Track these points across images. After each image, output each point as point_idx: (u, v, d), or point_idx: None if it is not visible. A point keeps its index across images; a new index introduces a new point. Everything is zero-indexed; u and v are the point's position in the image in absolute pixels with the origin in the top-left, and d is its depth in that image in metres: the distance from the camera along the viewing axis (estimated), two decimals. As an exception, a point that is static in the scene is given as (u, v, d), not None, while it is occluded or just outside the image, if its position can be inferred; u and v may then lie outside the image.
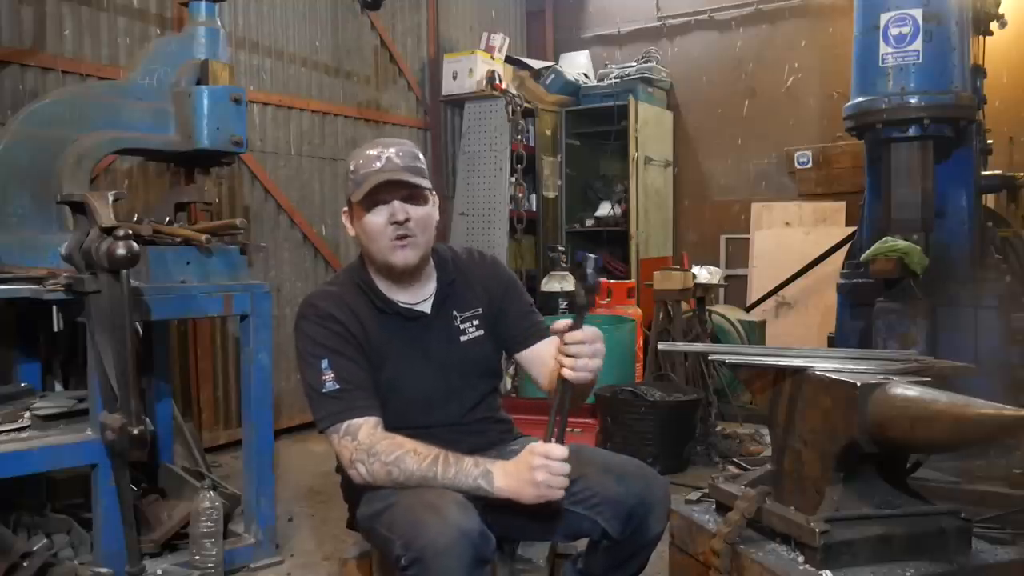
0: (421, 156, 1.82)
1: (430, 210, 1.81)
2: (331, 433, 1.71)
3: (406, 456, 1.64)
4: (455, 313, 1.89)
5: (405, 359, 1.82)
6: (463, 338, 1.89)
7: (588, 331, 1.57)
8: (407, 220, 1.75)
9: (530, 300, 2.02)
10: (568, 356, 1.56)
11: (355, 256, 1.90)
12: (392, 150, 1.76)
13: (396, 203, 1.75)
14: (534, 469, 1.56)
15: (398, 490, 1.67)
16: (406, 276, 1.83)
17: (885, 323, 2.91)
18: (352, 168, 1.78)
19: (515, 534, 1.88)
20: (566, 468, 1.57)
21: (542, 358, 1.89)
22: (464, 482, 1.61)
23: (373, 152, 1.77)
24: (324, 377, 1.71)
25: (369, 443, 1.66)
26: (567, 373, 1.56)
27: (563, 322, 1.58)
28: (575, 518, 1.73)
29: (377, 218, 1.75)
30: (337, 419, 1.70)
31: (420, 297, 1.87)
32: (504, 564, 2.00)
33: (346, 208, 1.85)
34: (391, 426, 1.75)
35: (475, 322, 1.91)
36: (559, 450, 1.57)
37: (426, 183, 1.78)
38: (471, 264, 1.97)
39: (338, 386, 1.71)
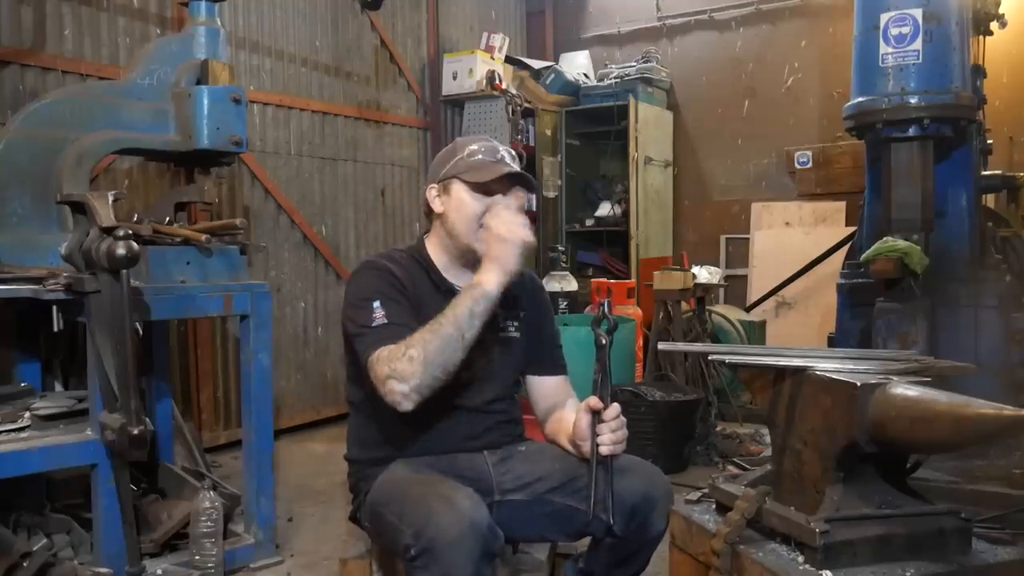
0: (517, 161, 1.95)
1: None
2: (370, 363, 1.70)
3: (412, 337, 1.66)
4: (499, 310, 1.93)
5: None
6: (502, 334, 1.95)
7: (615, 409, 1.70)
8: None
9: (559, 332, 2.10)
10: (603, 434, 1.68)
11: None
12: (505, 151, 1.88)
13: (500, 197, 1.84)
14: (497, 230, 1.69)
15: (410, 479, 1.70)
16: (477, 264, 1.88)
17: (885, 323, 2.91)
18: (467, 152, 1.87)
19: (517, 534, 1.88)
20: (521, 219, 1.73)
21: (550, 393, 2.00)
22: (462, 305, 1.66)
23: (488, 145, 1.88)
24: (375, 315, 1.75)
25: (387, 355, 1.67)
26: (605, 450, 1.68)
27: (595, 400, 1.70)
28: (578, 515, 1.74)
29: (479, 204, 1.83)
30: (376, 346, 1.70)
31: None
32: (504, 564, 2.00)
33: (436, 184, 1.91)
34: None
35: (515, 324, 1.97)
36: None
37: (534, 190, 1.92)
38: (523, 276, 2.03)
39: (386, 321, 1.74)
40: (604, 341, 1.69)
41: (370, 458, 1.87)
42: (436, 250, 1.93)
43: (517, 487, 1.82)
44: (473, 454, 1.87)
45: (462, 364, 1.82)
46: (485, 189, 1.83)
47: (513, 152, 1.93)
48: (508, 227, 1.69)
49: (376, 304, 1.76)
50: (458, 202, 1.86)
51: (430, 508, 1.54)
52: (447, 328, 1.64)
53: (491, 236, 1.71)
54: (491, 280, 1.67)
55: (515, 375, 2.00)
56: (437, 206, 1.90)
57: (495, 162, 1.84)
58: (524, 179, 1.86)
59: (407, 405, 1.65)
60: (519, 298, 1.99)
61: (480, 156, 1.85)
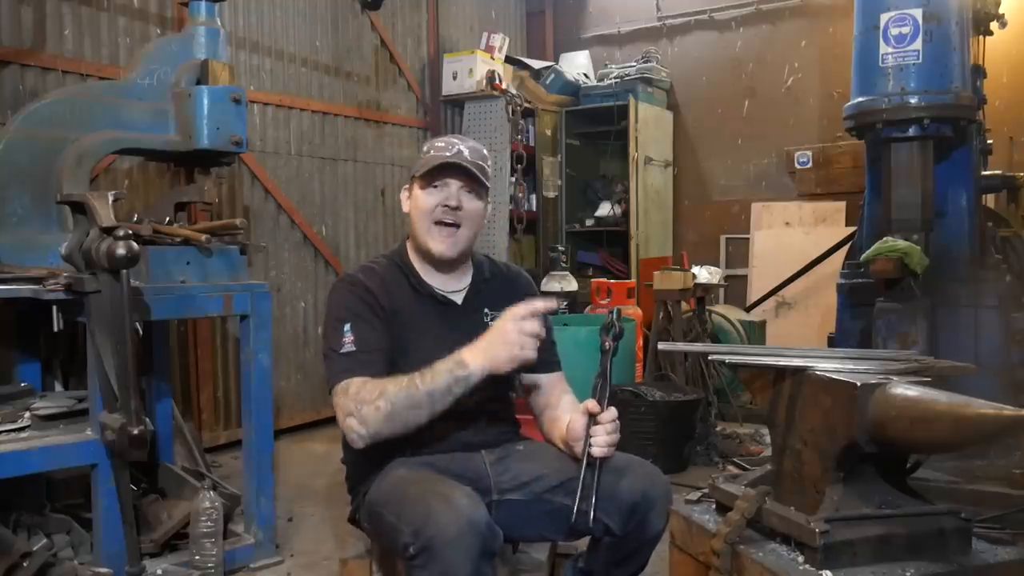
0: (488, 159, 1.92)
1: (482, 208, 1.90)
2: (334, 393, 1.75)
3: (387, 386, 1.67)
4: (486, 310, 1.96)
5: (430, 339, 1.86)
6: None
7: (611, 413, 1.70)
8: (458, 207, 1.83)
9: (552, 329, 2.08)
10: (597, 436, 1.69)
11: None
12: (465, 145, 1.87)
13: (454, 187, 1.83)
14: (506, 330, 1.62)
15: (408, 478, 1.70)
16: (442, 265, 1.91)
17: (885, 323, 2.91)
18: (424, 150, 1.89)
19: (516, 534, 1.88)
20: (537, 328, 1.63)
21: (545, 389, 1.99)
22: (441, 379, 1.64)
23: (446, 142, 1.87)
24: (344, 340, 1.77)
25: (356, 391, 1.70)
26: (596, 452, 1.68)
27: (592, 404, 1.70)
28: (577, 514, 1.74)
29: (431, 197, 1.84)
30: (341, 377, 1.74)
31: (453, 288, 1.94)
32: (504, 564, 2.00)
33: (407, 185, 1.93)
34: None
35: None
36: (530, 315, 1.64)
37: (486, 181, 1.87)
38: (509, 274, 2.06)
39: (354, 348, 1.76)
40: (608, 346, 1.70)
41: (367, 460, 1.87)
42: (414, 252, 1.94)
43: (515, 487, 1.82)
44: (470, 454, 1.87)
45: None
46: (431, 181, 1.83)
47: (483, 150, 1.90)
48: (519, 337, 1.62)
49: (347, 327, 1.78)
50: (415, 199, 1.88)
51: (429, 507, 1.54)
52: (421, 395, 1.65)
53: (501, 329, 1.64)
54: (477, 366, 1.64)
55: (507, 374, 1.99)
56: (406, 207, 1.92)
57: (447, 155, 1.83)
58: (461, 168, 1.83)
59: (360, 444, 1.70)
60: (506, 299, 1.97)
61: (435, 152, 1.85)
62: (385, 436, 1.69)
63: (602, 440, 1.68)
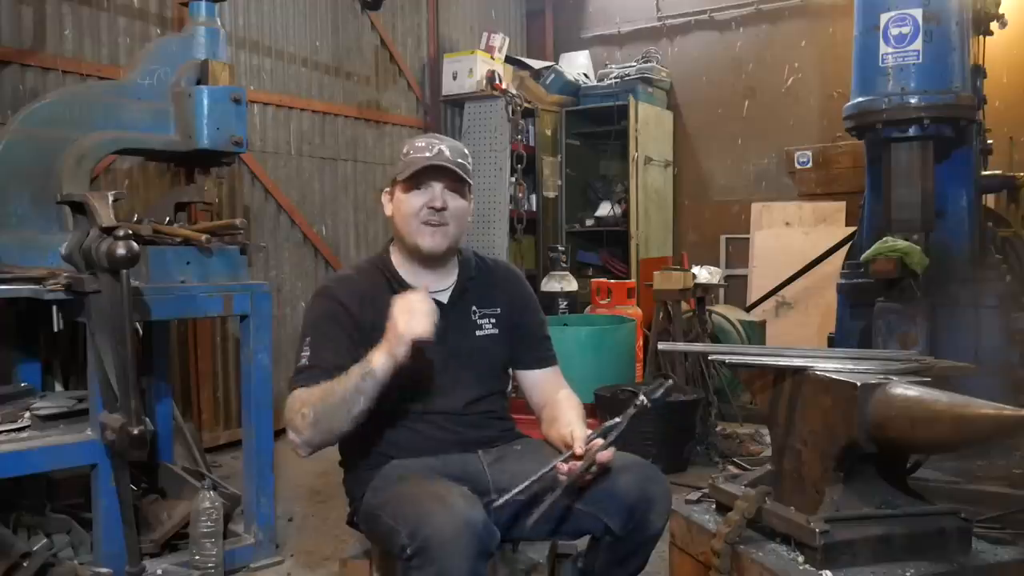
0: (469, 156, 1.92)
1: (467, 206, 1.91)
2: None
3: (313, 393, 1.70)
4: (474, 308, 1.95)
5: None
6: (478, 332, 1.94)
7: (609, 453, 1.71)
8: (444, 208, 1.83)
9: (546, 323, 2.09)
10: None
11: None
12: (445, 144, 1.86)
13: (437, 189, 1.83)
14: (394, 319, 1.64)
15: (404, 480, 1.70)
16: (430, 262, 1.90)
17: (885, 323, 2.91)
18: (404, 151, 1.88)
19: (515, 533, 1.88)
20: (423, 310, 1.65)
21: (541, 385, 1.99)
22: (351, 380, 1.66)
23: (426, 142, 1.86)
24: (303, 354, 1.81)
25: (291, 403, 1.74)
26: (562, 478, 1.67)
27: (579, 443, 1.69)
28: (577, 515, 1.74)
29: (416, 200, 1.84)
30: (291, 390, 1.77)
31: (439, 287, 1.93)
32: (504, 564, 2.00)
33: (387, 188, 1.94)
34: (391, 408, 1.79)
35: (492, 320, 1.96)
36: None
37: (468, 179, 1.88)
38: (497, 269, 2.05)
39: (307, 363, 1.79)
40: (640, 402, 1.72)
41: (363, 462, 1.87)
42: (398, 255, 1.94)
43: (513, 487, 1.81)
44: (467, 454, 1.86)
45: (436, 369, 1.84)
46: (415, 184, 1.84)
47: (463, 148, 1.90)
48: (407, 321, 1.64)
49: (307, 340, 1.81)
50: (397, 202, 1.88)
51: (424, 508, 1.54)
52: (336, 399, 1.67)
53: (391, 322, 1.66)
54: (379, 362, 1.66)
55: (498, 372, 1.99)
56: (388, 211, 1.93)
57: (428, 156, 1.82)
58: (444, 170, 1.83)
59: (303, 454, 1.73)
60: (494, 296, 1.97)
61: (415, 153, 1.84)
62: (318, 443, 1.71)
63: (575, 472, 1.67)
